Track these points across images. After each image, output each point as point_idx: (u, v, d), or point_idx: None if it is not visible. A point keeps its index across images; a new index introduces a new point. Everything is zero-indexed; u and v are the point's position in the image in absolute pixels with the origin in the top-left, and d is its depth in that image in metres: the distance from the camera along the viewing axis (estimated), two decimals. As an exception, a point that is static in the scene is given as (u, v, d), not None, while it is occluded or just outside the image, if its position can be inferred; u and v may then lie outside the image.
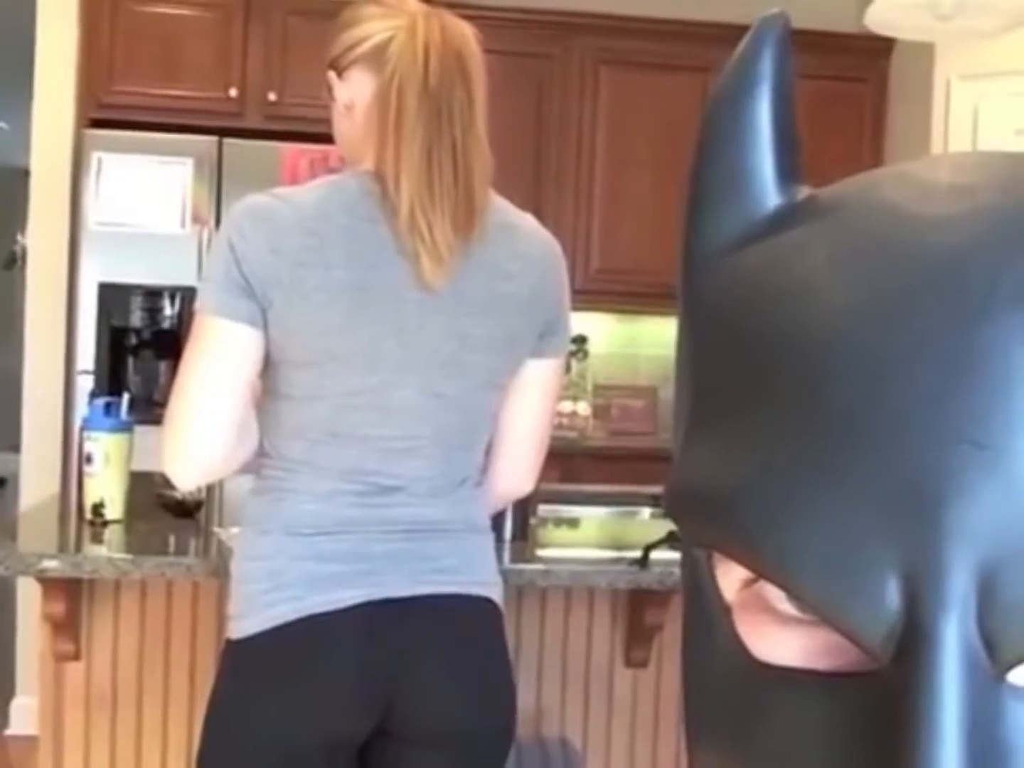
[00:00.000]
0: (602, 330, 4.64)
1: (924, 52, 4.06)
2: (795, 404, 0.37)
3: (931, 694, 0.32)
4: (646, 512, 2.86)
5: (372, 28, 1.58)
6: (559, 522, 2.67)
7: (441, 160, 1.53)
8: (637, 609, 2.27)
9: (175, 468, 1.53)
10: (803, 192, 0.44)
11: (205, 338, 1.50)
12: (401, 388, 1.55)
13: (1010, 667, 0.34)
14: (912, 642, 0.33)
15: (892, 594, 0.34)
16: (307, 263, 1.49)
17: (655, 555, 2.04)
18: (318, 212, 1.52)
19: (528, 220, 1.65)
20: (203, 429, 1.50)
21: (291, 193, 1.56)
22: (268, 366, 1.54)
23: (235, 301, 1.49)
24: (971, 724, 0.32)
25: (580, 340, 4.47)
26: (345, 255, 1.51)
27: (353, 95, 1.61)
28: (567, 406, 4.31)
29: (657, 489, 2.75)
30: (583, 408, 4.43)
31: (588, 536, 2.67)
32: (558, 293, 1.66)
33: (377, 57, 1.56)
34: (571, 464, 3.87)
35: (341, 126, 1.66)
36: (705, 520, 0.39)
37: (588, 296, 3.97)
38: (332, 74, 1.63)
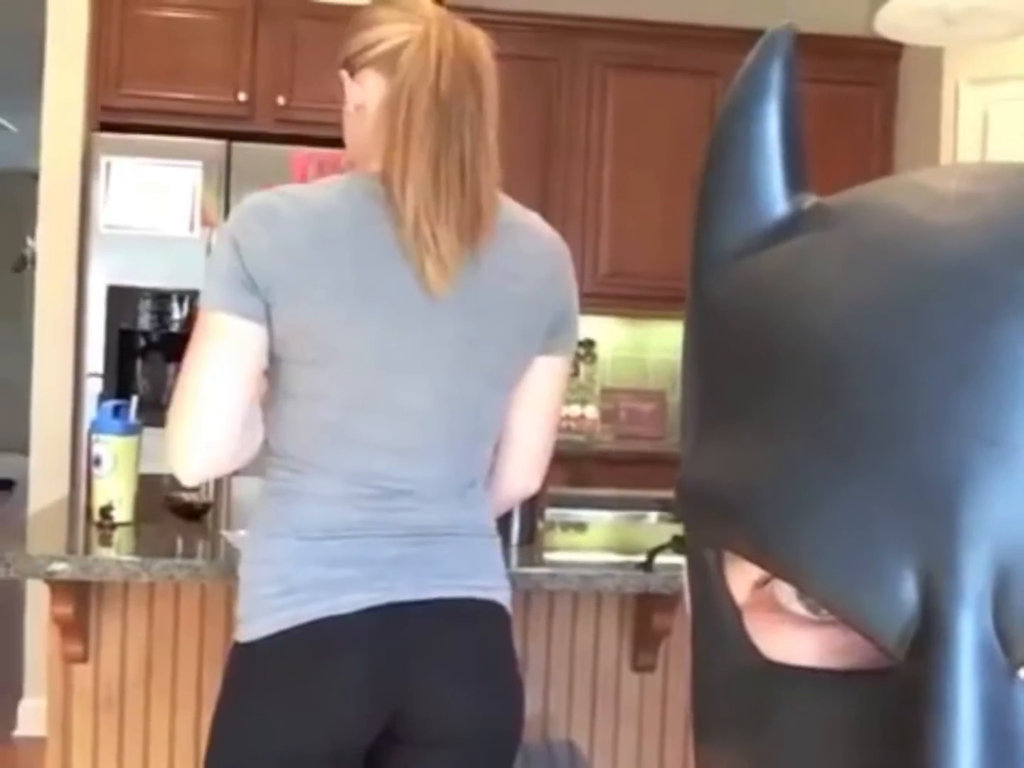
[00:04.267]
0: (610, 334, 4.64)
1: (933, 56, 4.06)
2: (808, 403, 0.37)
3: (947, 690, 0.33)
4: (654, 516, 2.86)
5: (387, 31, 1.57)
6: (566, 526, 2.66)
7: (448, 170, 1.52)
8: (644, 613, 2.26)
9: (180, 463, 1.53)
10: (809, 200, 0.45)
11: (209, 334, 1.50)
12: (410, 390, 1.54)
13: None
14: (928, 639, 0.34)
15: (908, 591, 0.34)
16: (311, 262, 1.49)
17: (661, 560, 2.03)
18: (324, 211, 1.51)
19: (533, 218, 1.65)
20: (207, 424, 1.50)
21: (297, 191, 1.56)
22: (273, 363, 1.54)
23: (238, 297, 1.48)
24: (987, 720, 0.33)
25: (588, 344, 4.47)
26: (350, 255, 1.51)
27: (365, 97, 1.60)
28: (575, 410, 4.30)
29: (665, 493, 2.75)
30: (591, 412, 4.43)
31: (595, 540, 2.67)
32: (565, 290, 1.66)
33: (390, 61, 1.56)
34: (579, 468, 3.87)
35: (350, 126, 1.65)
36: (717, 520, 0.39)
37: (596, 300, 3.97)
38: (344, 73, 1.63)
